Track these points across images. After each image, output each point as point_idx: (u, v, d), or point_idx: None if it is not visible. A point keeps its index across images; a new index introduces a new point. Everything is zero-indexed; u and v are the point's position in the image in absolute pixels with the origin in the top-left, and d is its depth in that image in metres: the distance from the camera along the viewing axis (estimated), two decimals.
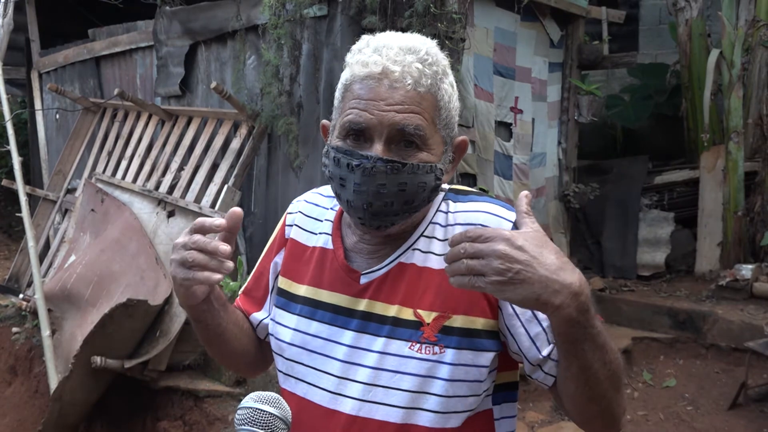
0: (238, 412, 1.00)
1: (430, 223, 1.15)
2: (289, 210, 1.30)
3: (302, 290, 1.21)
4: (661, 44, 7.83)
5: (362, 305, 1.13)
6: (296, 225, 1.27)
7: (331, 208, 1.25)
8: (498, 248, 0.89)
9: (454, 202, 1.16)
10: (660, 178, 6.36)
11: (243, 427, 0.99)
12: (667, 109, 6.99)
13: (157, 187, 4.88)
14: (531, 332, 1.06)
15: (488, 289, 0.90)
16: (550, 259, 0.91)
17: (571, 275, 0.92)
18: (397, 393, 1.09)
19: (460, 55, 4.31)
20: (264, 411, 0.99)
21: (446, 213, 1.15)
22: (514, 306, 1.05)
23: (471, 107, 4.79)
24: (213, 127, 4.76)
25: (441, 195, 1.17)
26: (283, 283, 1.25)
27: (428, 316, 1.08)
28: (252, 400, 1.01)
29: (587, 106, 5.93)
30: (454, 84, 1.13)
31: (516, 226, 1.00)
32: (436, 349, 1.07)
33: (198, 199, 4.53)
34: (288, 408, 1.02)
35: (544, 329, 1.06)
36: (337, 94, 1.13)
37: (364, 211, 1.07)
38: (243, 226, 4.81)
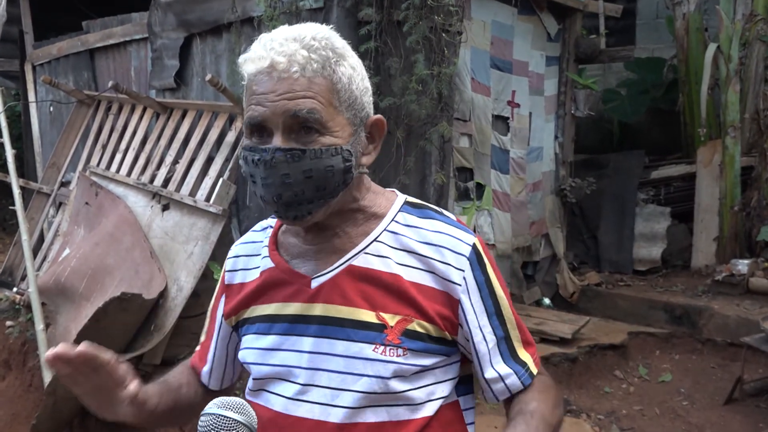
0: (201, 419, 0.95)
1: (385, 230, 1.15)
2: (227, 256, 1.31)
3: (257, 311, 1.21)
4: (658, 38, 7.81)
5: (317, 310, 1.13)
6: (232, 270, 1.28)
7: (265, 237, 1.26)
8: None
9: (409, 214, 1.17)
10: (656, 173, 6.36)
11: None
12: (663, 104, 6.98)
13: (151, 181, 4.85)
14: (489, 344, 1.14)
15: None
16: None
17: None
18: (362, 396, 1.09)
19: (456, 48, 4.29)
20: (228, 418, 0.94)
21: (402, 225, 1.16)
22: (470, 323, 1.12)
23: (468, 101, 4.77)
24: (208, 120, 4.73)
25: (397, 205, 1.18)
26: (236, 318, 1.25)
27: (392, 319, 1.10)
28: (216, 406, 0.95)
29: (584, 100, 5.92)
30: (358, 66, 1.12)
31: (475, 250, 1.11)
32: (400, 351, 1.09)
33: (193, 193, 4.51)
34: (254, 414, 0.97)
35: (497, 343, 1.14)
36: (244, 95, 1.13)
37: (276, 203, 1.08)
38: (238, 220, 4.79)
